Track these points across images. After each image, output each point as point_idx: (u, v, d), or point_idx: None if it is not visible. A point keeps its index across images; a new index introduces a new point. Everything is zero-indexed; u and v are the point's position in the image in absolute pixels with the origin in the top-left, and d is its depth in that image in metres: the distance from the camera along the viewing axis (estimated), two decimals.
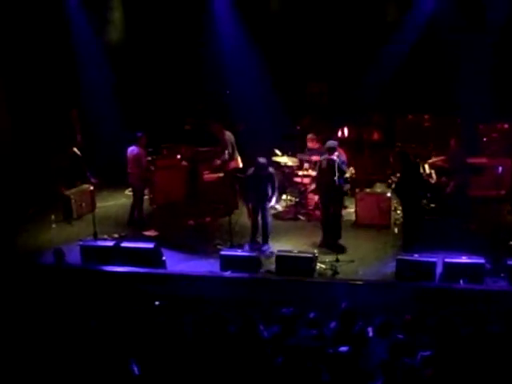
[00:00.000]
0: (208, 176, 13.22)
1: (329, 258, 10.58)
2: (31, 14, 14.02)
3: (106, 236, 11.87)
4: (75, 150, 13.19)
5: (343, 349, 6.60)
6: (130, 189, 14.52)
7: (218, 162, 13.03)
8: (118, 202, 14.05)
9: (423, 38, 14.26)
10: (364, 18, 14.78)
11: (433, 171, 12.44)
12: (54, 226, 12.60)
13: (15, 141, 14.06)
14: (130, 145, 12.48)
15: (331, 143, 11.17)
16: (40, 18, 14.14)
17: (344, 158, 11.71)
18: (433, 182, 11.89)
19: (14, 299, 9.25)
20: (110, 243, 11.16)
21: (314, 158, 12.67)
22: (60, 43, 14.71)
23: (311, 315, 7.64)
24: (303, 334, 7.35)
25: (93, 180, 12.57)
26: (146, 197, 13.19)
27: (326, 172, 10.97)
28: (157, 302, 8.56)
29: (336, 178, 10.62)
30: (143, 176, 12.63)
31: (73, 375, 6.89)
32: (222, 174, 12.95)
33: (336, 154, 10.96)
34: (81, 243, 11.17)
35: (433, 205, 11.96)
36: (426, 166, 12.49)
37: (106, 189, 14.47)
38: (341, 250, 10.95)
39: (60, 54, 14.79)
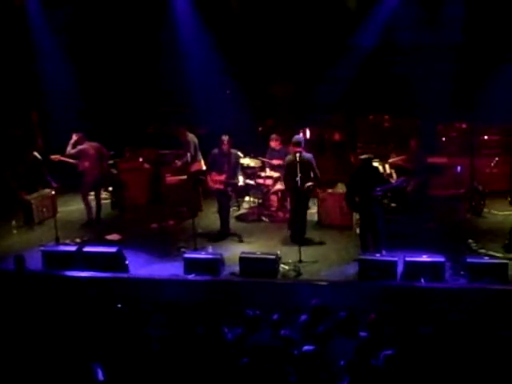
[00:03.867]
0: (170, 179, 13.19)
1: (292, 259, 10.63)
2: None
3: (67, 241, 11.79)
4: (36, 154, 13.13)
5: (308, 348, 6.64)
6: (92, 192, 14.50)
7: (179, 163, 13.03)
8: (79, 206, 13.72)
9: (383, 39, 14.42)
10: (325, 18, 14.87)
11: (393, 171, 12.60)
12: (14, 231, 12.47)
13: None
14: (78, 144, 12.51)
15: (298, 137, 11.30)
16: None
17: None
18: (393, 181, 12.02)
19: None
20: (72, 248, 11.04)
21: (275, 161, 12.72)
22: (19, 43, 14.54)
23: (275, 317, 7.67)
24: (267, 335, 7.39)
25: (54, 184, 12.54)
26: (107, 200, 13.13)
27: (294, 167, 10.95)
28: (119, 305, 8.57)
29: (298, 178, 10.69)
30: (105, 169, 12.72)
31: (36, 381, 6.83)
32: (184, 177, 12.92)
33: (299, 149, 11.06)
34: (42, 248, 11.03)
35: (394, 204, 12.09)
36: (387, 166, 12.64)
37: (68, 193, 14.31)
38: (307, 242, 11.15)
39: (19, 55, 14.61)
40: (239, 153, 12.60)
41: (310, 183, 11.10)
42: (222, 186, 11.76)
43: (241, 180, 12.33)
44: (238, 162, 12.02)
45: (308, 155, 11.30)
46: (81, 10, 15.21)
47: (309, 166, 11.16)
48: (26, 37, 14.78)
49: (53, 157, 12.54)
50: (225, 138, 11.67)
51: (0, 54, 14.25)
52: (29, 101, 14.97)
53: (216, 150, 11.78)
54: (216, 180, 11.73)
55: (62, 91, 15.15)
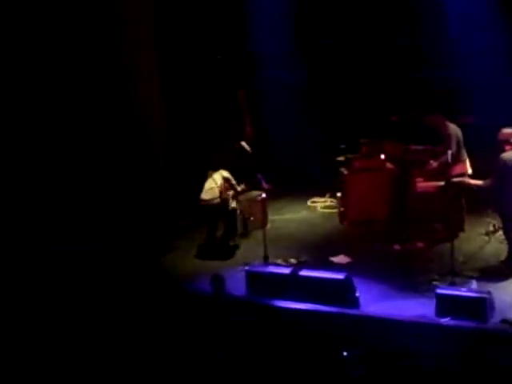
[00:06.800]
0: (422, 185, 13.24)
1: None
2: None
3: (280, 260, 12.32)
4: (243, 144, 13.78)
5: None
6: (313, 199, 15.04)
7: (435, 164, 13.08)
8: (296, 215, 14.57)
9: None
10: None
11: None
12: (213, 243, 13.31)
13: (169, 134, 14.71)
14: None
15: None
16: None
17: None
18: None
19: (160, 335, 10.15)
20: (286, 270, 11.56)
21: None
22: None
23: None
24: None
25: (265, 185, 13.09)
26: None
27: None
28: (345, 353, 8.88)
29: None
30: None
31: None
32: (442, 183, 12.90)
33: None
34: (247, 268, 11.71)
35: None
36: None
37: (282, 197, 14.99)
38: None
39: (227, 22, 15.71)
40: None
41: None
42: None
43: None
44: None
45: None
46: None
47: None
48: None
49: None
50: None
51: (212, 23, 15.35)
52: (236, 75, 15.84)
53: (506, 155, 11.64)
54: None
55: (278, 65, 16.17)
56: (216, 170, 13.36)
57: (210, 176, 13.37)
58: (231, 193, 13.34)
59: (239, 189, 13.47)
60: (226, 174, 13.36)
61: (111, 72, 13.14)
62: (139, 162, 13.62)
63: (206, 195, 13.30)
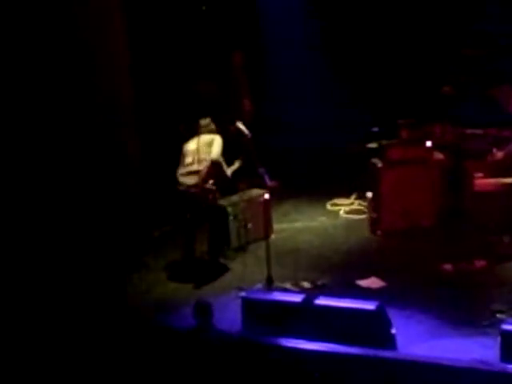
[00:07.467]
0: (482, 181, 13.23)
1: None
2: None
3: (288, 284, 12.25)
4: (239, 125, 13.67)
5: None
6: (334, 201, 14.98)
7: (499, 154, 13.21)
8: (311, 223, 14.56)
9: None
10: None
11: None
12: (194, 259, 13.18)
13: (139, 111, 14.66)
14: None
15: None
16: None
17: None
18: None
19: None
20: (296, 298, 11.32)
21: None
22: None
23: None
24: None
25: (268, 182, 12.97)
26: None
27: None
28: None
29: None
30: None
31: None
32: (509, 180, 12.94)
33: None
34: (243, 294, 11.50)
35: None
36: None
37: (293, 199, 15.09)
38: None
39: None
40: None
41: None
42: None
43: None
44: None
45: None
46: None
47: None
48: None
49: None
50: None
51: None
52: (230, 35, 15.95)
53: None
54: None
55: (288, 19, 16.29)
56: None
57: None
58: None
59: (229, 172, 13.23)
60: (216, 154, 13.11)
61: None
62: (101, 151, 13.62)
63: (185, 178, 13.11)
